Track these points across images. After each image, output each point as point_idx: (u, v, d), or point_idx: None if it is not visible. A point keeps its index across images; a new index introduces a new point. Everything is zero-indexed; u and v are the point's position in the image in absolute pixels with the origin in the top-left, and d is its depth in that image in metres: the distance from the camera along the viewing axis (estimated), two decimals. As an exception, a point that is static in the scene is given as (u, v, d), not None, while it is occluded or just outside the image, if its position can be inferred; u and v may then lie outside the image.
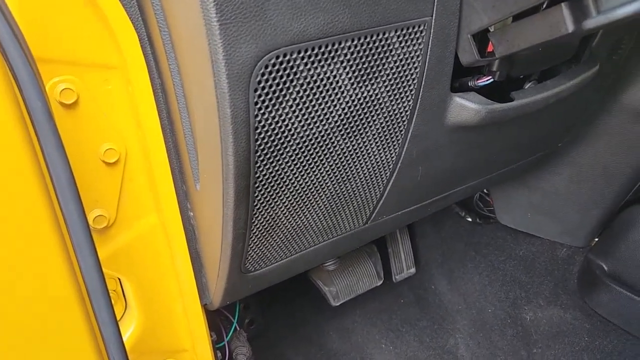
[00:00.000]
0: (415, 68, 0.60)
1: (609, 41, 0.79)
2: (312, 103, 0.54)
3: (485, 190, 1.32)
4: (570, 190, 1.11)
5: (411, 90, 0.62)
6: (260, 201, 0.59)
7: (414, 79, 0.61)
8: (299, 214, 0.65)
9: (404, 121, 0.64)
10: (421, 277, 1.41)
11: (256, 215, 0.60)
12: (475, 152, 0.79)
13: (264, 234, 0.64)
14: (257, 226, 0.62)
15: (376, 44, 0.55)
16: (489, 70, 0.68)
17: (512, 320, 1.23)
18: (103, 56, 0.55)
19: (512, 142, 0.85)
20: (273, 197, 0.60)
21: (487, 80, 0.68)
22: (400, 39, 0.57)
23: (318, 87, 0.54)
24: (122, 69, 0.55)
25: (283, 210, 0.63)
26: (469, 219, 1.38)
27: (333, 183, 0.65)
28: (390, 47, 0.56)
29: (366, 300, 1.37)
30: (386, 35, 0.55)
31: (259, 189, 0.58)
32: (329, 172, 0.63)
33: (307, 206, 0.65)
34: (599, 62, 0.79)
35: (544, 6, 0.58)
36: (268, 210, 0.61)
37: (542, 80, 0.76)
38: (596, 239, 1.19)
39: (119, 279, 0.69)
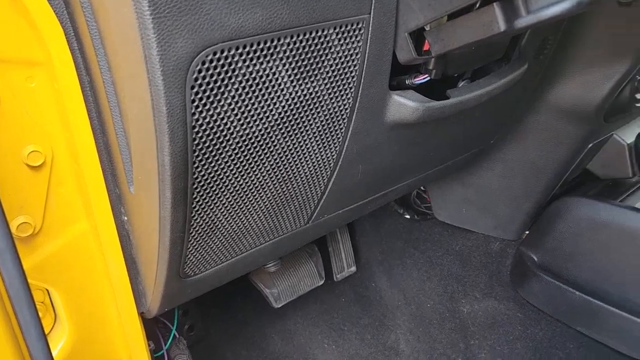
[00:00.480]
0: (355, 65, 0.60)
1: (536, 41, 0.83)
2: (252, 101, 0.53)
3: (422, 188, 1.35)
4: (501, 186, 1.16)
5: (351, 88, 0.62)
6: (199, 203, 0.57)
7: (353, 77, 0.61)
8: (239, 215, 0.64)
9: (344, 119, 0.64)
10: (362, 275, 1.42)
11: (195, 218, 0.58)
12: (414, 149, 0.80)
13: (203, 237, 0.62)
14: (196, 229, 0.60)
15: (315, 41, 0.54)
16: (425, 68, 0.69)
17: (450, 314, 1.27)
18: (25, 51, 0.51)
19: (447, 140, 0.87)
20: (212, 198, 0.58)
21: (424, 79, 0.69)
22: (339, 36, 0.56)
23: (257, 84, 0.52)
24: (47, 65, 0.52)
25: (223, 212, 0.61)
26: (407, 216, 1.41)
27: (274, 182, 0.64)
28: (330, 45, 0.56)
29: (308, 301, 1.37)
30: (325, 33, 0.55)
31: (197, 190, 0.56)
32: (269, 172, 0.62)
33: (248, 207, 0.64)
34: (527, 61, 0.82)
35: (477, 6, 0.59)
36: (207, 212, 0.59)
37: (474, 78, 0.78)
38: (527, 232, 1.24)
39: (47, 290, 0.65)
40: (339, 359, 1.30)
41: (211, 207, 0.59)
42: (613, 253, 1.04)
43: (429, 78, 0.69)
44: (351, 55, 0.59)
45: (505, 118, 0.97)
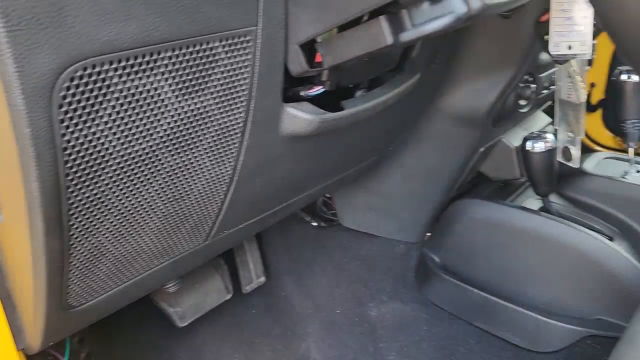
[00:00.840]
0: (245, 79, 0.58)
1: (427, 52, 0.85)
2: (132, 118, 0.49)
3: (327, 195, 1.35)
4: (402, 191, 1.19)
5: (242, 102, 0.60)
6: (79, 229, 0.53)
7: (243, 90, 0.59)
8: (127, 238, 0.59)
9: (237, 133, 0.62)
10: (271, 285, 1.40)
11: (75, 246, 0.54)
12: (312, 160, 0.80)
13: (86, 265, 0.57)
14: (78, 257, 0.55)
15: (200, 54, 0.52)
16: (319, 80, 0.69)
17: (359, 318, 1.28)
18: None
19: (346, 149, 0.88)
20: (94, 223, 0.54)
21: (317, 90, 0.69)
22: (226, 48, 0.54)
23: (137, 100, 0.49)
24: None
25: (107, 237, 0.57)
26: (314, 224, 1.41)
27: (164, 202, 0.60)
28: (216, 58, 0.54)
29: (216, 315, 1.33)
30: (210, 45, 0.52)
31: (75, 216, 0.51)
32: (157, 191, 0.58)
33: (137, 229, 0.60)
34: (420, 71, 0.84)
35: (366, 18, 0.59)
36: (89, 239, 0.55)
37: (370, 89, 0.79)
38: (428, 234, 1.28)
39: None
40: (249, 371, 1.28)
41: (93, 233, 0.54)
42: (505, 250, 1.10)
43: (323, 90, 0.69)
44: (240, 69, 0.57)
45: (402, 126, 1.00)
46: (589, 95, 1.33)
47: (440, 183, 1.15)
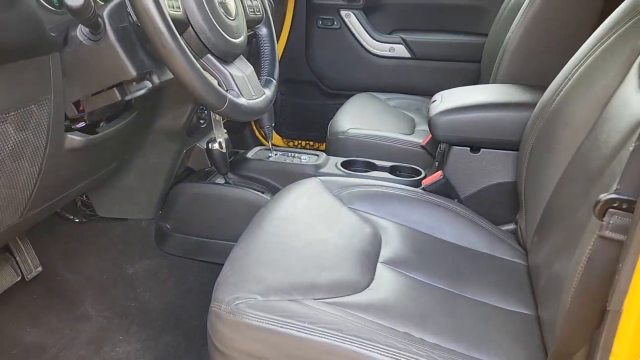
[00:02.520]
0: (45, 121, 1.15)
1: (141, 98, 1.50)
2: (-4, 144, 1.03)
3: (86, 196, 1.89)
4: (139, 183, 1.81)
5: (44, 133, 1.17)
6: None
7: (45, 126, 1.16)
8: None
9: (42, 149, 1.18)
10: (47, 272, 1.83)
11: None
12: (83, 163, 1.38)
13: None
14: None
15: (25, 112, 1.08)
16: (83, 119, 1.29)
17: (121, 277, 1.85)
18: None
19: (101, 157, 1.47)
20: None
21: (82, 124, 1.29)
22: (36, 108, 1.11)
23: (-1, 136, 1.03)
24: None
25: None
26: (77, 220, 1.93)
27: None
28: (32, 113, 1.10)
29: (4, 300, 1.73)
30: (30, 108, 1.09)
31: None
32: None
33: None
34: (137, 109, 1.49)
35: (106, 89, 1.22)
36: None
37: (110, 121, 1.41)
38: (160, 211, 1.93)
39: None
40: (41, 335, 1.72)
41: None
42: (209, 211, 1.82)
43: (85, 124, 1.29)
44: (43, 116, 1.14)
45: (132, 141, 1.64)
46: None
47: (160, 177, 1.81)
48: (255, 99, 1.22)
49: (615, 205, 0.73)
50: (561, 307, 0.92)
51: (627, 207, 0.73)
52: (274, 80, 1.40)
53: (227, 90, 1.15)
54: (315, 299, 1.10)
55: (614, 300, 0.71)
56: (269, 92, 1.33)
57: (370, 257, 1.28)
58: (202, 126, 1.76)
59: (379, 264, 1.27)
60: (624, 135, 1.05)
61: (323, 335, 0.99)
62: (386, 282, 1.20)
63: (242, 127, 2.77)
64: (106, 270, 1.86)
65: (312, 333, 1.00)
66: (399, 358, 0.97)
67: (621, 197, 0.73)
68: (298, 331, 1.00)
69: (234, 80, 1.17)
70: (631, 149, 0.73)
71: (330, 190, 1.54)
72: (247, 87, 1.19)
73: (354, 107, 2.34)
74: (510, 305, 1.23)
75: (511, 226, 1.56)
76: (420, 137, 2.03)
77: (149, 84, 1.16)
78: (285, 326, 1.01)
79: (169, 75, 1.25)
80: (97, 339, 1.66)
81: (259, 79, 1.35)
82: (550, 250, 1.20)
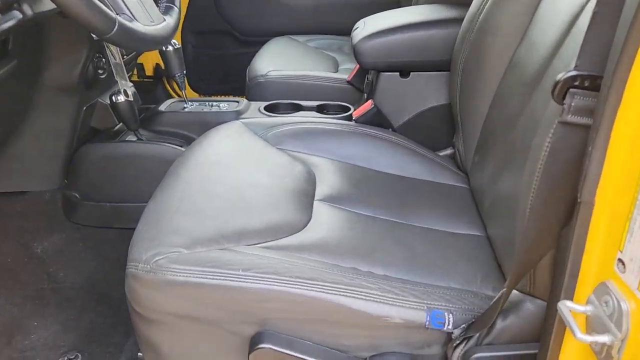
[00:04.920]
0: None
1: (19, 44, 1.27)
2: None
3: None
4: (36, 149, 1.58)
5: None
6: None
7: None
8: None
9: None
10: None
11: None
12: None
13: None
14: None
15: None
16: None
17: (29, 258, 1.64)
18: None
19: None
20: None
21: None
22: None
23: None
24: None
25: None
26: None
27: None
28: None
29: None
30: None
31: None
32: None
33: None
34: (16, 58, 1.26)
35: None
36: None
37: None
38: (66, 180, 1.71)
39: None
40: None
41: None
42: (123, 172, 1.63)
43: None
44: None
45: (17, 99, 1.40)
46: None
47: (62, 138, 1.59)
48: (154, 25, 1.04)
49: (576, 84, 0.64)
50: (519, 216, 0.84)
51: (590, 84, 0.64)
52: (176, 7, 1.22)
53: (117, 14, 0.97)
54: (248, 245, 0.97)
55: (584, 190, 0.63)
56: (170, 20, 1.16)
57: (305, 196, 1.16)
58: (102, 77, 1.55)
59: (315, 202, 1.15)
60: (562, 27, 0.97)
61: (260, 281, 0.86)
62: (325, 220, 1.09)
63: (153, 86, 2.54)
64: (10, 252, 1.64)
65: (247, 280, 0.87)
66: (347, 294, 0.86)
67: (582, 73, 0.64)
68: (231, 280, 0.87)
69: (124, 3, 0.98)
70: (589, 17, 0.64)
71: (255, 132, 1.40)
72: (141, 11, 1.01)
73: (272, 50, 2.18)
74: (459, 229, 1.15)
75: (449, 151, 1.48)
76: (346, 74, 1.90)
77: (18, 15, 0.95)
78: (216, 277, 0.87)
79: (46, 6, 1.04)
80: (7, 329, 1.46)
81: (157, 5, 1.16)
82: (493, 169, 1.13)
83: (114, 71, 1.43)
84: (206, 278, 0.87)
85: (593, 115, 0.62)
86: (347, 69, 2.00)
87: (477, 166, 1.26)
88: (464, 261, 1.02)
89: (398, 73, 1.52)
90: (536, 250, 0.77)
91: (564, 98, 0.66)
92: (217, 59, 2.64)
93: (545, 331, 0.76)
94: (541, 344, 0.78)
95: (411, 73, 1.51)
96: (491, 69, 1.19)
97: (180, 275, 0.88)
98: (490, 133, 1.20)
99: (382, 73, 1.53)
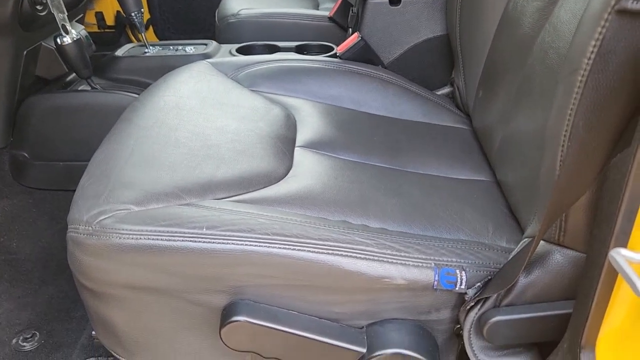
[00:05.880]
0: None
1: None
2: None
3: None
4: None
5: None
6: None
7: None
8: None
9: None
10: None
11: None
12: None
13: None
14: None
15: None
16: None
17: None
18: None
19: None
20: None
21: None
22: None
23: None
24: None
25: None
26: None
27: None
28: None
29: None
30: None
31: None
32: None
33: None
34: None
35: None
36: None
37: None
38: (11, 137, 1.50)
39: None
40: None
41: None
42: (75, 125, 1.43)
43: None
44: None
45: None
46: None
47: (1, 89, 1.38)
48: None
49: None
50: (548, 154, 0.68)
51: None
52: None
53: None
54: (216, 199, 0.80)
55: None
56: None
57: (284, 142, 0.98)
58: (41, 14, 1.32)
59: (296, 149, 0.99)
60: None
61: (230, 240, 0.70)
62: (309, 167, 0.92)
63: (115, 37, 2.31)
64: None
65: (214, 240, 0.70)
66: (338, 252, 0.70)
67: None
68: (193, 241, 0.70)
69: None
70: None
71: (225, 73, 1.21)
72: None
73: (244, -12, 1.95)
74: (462, 174, 1.00)
75: (447, 89, 1.31)
76: (327, 13, 1.70)
77: None
78: (173, 237, 0.70)
79: None
80: (-47, 310, 1.28)
81: None
82: (504, 104, 0.96)
83: (50, 5, 1.22)
84: (161, 239, 0.70)
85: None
86: (328, 8, 1.79)
87: (481, 103, 1.10)
88: (471, 210, 0.87)
89: (387, 0, 1.32)
90: (574, 190, 0.61)
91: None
92: (184, 4, 2.41)
93: (585, 286, 0.61)
94: (578, 302, 0.63)
95: (402, 0, 1.32)
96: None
97: (129, 238, 0.71)
98: (498, 63, 1.03)
99: (369, 1, 1.33)
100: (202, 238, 0.70)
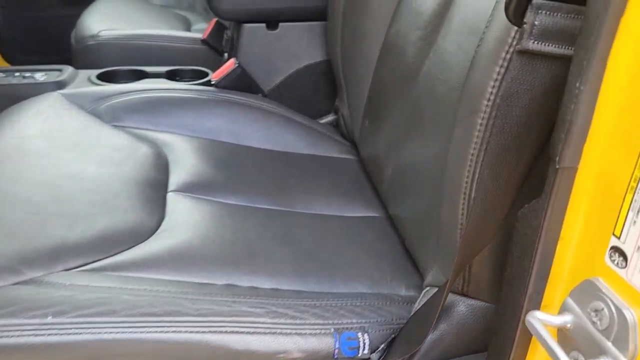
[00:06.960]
0: None
1: None
2: None
3: None
4: None
5: None
6: None
7: None
8: None
9: None
10: None
11: None
12: None
13: None
14: None
15: None
16: None
17: None
18: None
19: None
20: None
21: None
22: None
23: None
24: None
25: None
26: None
27: None
28: None
29: None
30: None
31: None
32: None
33: None
34: None
35: None
36: None
37: None
38: None
39: None
40: None
41: None
42: None
43: None
44: None
45: None
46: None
47: None
48: None
49: (542, -8, 0.43)
50: (446, 189, 0.63)
51: (567, -9, 0.43)
52: None
53: None
54: (67, 270, 0.65)
55: (566, 151, 0.42)
56: None
57: (154, 187, 0.86)
58: None
59: (169, 195, 0.86)
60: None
61: (85, 330, 0.56)
62: (184, 217, 0.81)
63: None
64: None
65: (63, 331, 0.55)
66: (224, 328, 0.59)
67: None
68: (36, 335, 0.55)
69: None
70: None
71: (81, 106, 1.05)
72: None
73: (103, 7, 1.77)
74: (353, 211, 0.94)
75: (330, 117, 1.25)
76: (200, 34, 1.58)
77: None
78: (8, 333, 0.55)
79: None
80: None
81: None
82: (392, 133, 0.91)
83: None
84: (-10, 337, 0.54)
85: (576, 41, 0.41)
86: (202, 30, 1.67)
87: (368, 132, 1.05)
88: (366, 256, 0.81)
89: (264, 24, 1.24)
90: (480, 240, 0.56)
91: (522, 16, 0.44)
92: (37, 22, 2.14)
93: (497, 346, 0.56)
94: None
95: (280, 24, 1.24)
96: (378, 11, 0.97)
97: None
98: (382, 92, 0.99)
99: (245, 25, 1.24)
100: (47, 330, 0.55)
